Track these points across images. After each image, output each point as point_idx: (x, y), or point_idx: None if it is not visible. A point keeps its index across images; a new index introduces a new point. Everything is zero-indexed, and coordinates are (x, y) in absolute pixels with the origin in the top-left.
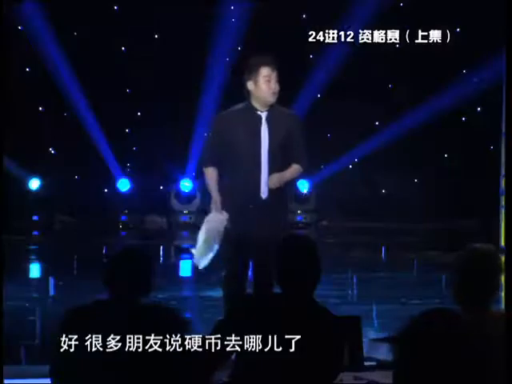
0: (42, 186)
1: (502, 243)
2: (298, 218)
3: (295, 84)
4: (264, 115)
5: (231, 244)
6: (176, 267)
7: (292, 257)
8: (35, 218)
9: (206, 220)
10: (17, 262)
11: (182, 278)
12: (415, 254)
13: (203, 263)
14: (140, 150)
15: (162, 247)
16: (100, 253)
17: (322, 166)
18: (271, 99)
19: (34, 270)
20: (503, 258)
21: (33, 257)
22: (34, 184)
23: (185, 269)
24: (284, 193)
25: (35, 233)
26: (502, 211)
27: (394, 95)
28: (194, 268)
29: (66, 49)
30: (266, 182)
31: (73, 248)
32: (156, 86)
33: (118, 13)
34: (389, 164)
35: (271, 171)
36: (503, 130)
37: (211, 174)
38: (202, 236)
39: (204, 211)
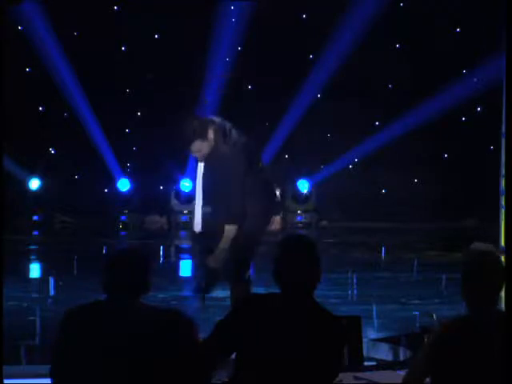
0: (41, 186)
1: (502, 243)
2: (298, 218)
3: (295, 84)
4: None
5: None
6: (176, 267)
7: (292, 257)
8: (35, 217)
9: None
10: (17, 262)
11: (182, 277)
12: (415, 254)
13: None
14: (140, 150)
15: (161, 247)
16: (100, 253)
17: (322, 166)
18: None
19: (34, 270)
20: (503, 258)
21: (33, 257)
22: (34, 184)
23: (185, 269)
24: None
25: (35, 233)
26: (502, 211)
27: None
28: (194, 268)
29: (66, 49)
30: (199, 217)
31: (73, 248)
32: (156, 86)
33: (117, 13)
34: (389, 164)
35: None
36: (503, 130)
37: None
38: None
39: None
